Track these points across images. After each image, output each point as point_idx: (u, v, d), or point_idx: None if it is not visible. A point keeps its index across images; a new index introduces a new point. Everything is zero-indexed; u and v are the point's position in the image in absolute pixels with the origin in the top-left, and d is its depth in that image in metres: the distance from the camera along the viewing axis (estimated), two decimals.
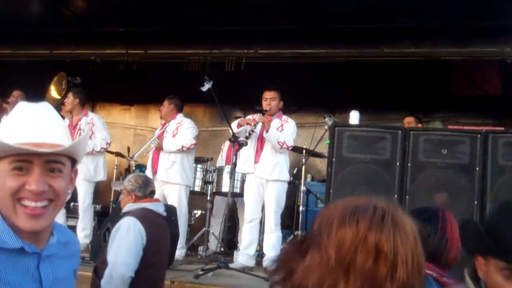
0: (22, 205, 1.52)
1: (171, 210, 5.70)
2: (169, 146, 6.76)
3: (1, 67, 9.20)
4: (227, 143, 7.99)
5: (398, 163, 4.73)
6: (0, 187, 1.52)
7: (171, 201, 6.62)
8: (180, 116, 7.02)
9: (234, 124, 6.19)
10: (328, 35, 7.71)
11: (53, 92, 7.81)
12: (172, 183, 6.70)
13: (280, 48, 7.88)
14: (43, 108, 1.61)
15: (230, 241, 7.57)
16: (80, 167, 6.65)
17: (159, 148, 6.81)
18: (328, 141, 5.10)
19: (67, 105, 6.94)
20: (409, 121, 7.22)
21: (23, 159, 1.51)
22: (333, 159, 4.81)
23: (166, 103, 7.04)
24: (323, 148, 8.01)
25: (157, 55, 8.26)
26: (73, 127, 6.93)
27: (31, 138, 1.51)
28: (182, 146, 6.70)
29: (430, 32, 7.51)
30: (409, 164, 4.73)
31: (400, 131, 4.82)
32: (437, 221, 2.48)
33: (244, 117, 8.17)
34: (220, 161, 8.06)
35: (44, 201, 1.53)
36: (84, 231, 6.89)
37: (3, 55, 8.80)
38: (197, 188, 7.28)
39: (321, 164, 9.54)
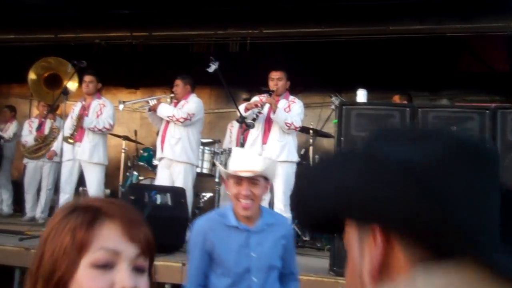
0: (239, 202, 2.87)
1: (179, 193, 5.74)
2: (164, 109, 6.69)
3: (5, 52, 9.19)
4: (236, 125, 7.96)
5: None
6: (230, 191, 2.94)
7: (177, 180, 6.63)
8: (192, 96, 6.97)
9: (241, 108, 6.15)
10: (334, 13, 7.64)
11: (32, 75, 7.84)
12: (178, 161, 6.67)
13: (285, 28, 7.82)
14: (247, 151, 3.68)
15: None
16: (81, 150, 6.75)
17: (153, 108, 6.73)
18: (336, 120, 5.07)
19: (91, 88, 6.91)
20: (395, 100, 7.18)
21: (238, 177, 2.88)
22: (342, 138, 4.78)
23: (180, 83, 6.90)
24: (330, 128, 8.00)
25: (161, 37, 8.22)
26: (86, 109, 6.94)
27: (240, 167, 2.88)
28: (174, 115, 6.60)
29: (436, 9, 7.43)
30: None
31: (408, 109, 4.78)
32: None
33: (250, 98, 8.15)
34: (228, 143, 8.04)
35: (249, 200, 2.87)
36: None
37: (8, 40, 8.79)
38: (205, 170, 7.27)
39: (328, 144, 9.52)
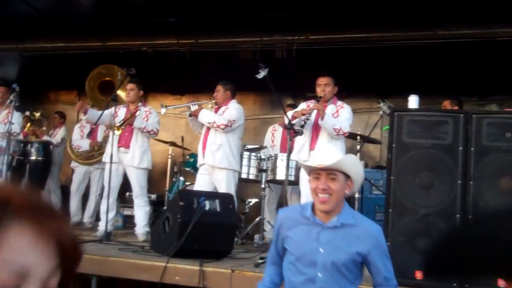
0: (317, 196, 2.92)
1: (227, 199, 5.74)
2: (205, 115, 6.74)
3: (54, 59, 9.39)
4: (279, 129, 7.94)
5: (460, 148, 4.59)
6: (310, 185, 3.00)
7: (219, 187, 6.66)
8: (232, 102, 6.99)
9: (289, 114, 6.12)
10: (380, 18, 7.56)
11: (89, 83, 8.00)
12: (219, 168, 6.71)
13: (331, 34, 7.77)
14: (324, 146, 3.42)
15: None
16: (130, 156, 6.83)
17: (194, 114, 6.79)
18: (387, 127, 5.00)
19: (132, 96, 7.02)
20: (445, 105, 7.01)
21: (317, 172, 2.94)
22: (393, 145, 4.70)
23: (221, 88, 6.98)
24: (377, 134, 7.91)
25: (207, 44, 8.27)
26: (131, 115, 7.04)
27: (319, 162, 2.92)
28: (215, 122, 6.65)
29: (485, 12, 7.27)
30: (472, 149, 4.58)
31: (461, 115, 4.67)
32: None
33: (295, 104, 8.12)
34: (270, 146, 7.99)
35: (326, 194, 2.90)
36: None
37: (57, 48, 8.97)
38: (251, 176, 7.26)
39: (374, 151, 9.42)
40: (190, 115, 6.90)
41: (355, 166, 3.02)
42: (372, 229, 3.02)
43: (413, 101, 5.03)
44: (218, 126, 6.66)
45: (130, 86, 7.05)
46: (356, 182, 3.03)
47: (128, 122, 6.81)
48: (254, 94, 10.32)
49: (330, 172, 2.91)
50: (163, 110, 6.99)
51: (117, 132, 6.75)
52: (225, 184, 6.65)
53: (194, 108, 6.89)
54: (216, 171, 6.75)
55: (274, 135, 8.06)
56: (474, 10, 7.26)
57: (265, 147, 7.62)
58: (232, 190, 6.67)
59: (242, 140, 8.35)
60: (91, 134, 7.46)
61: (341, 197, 2.96)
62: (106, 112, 6.83)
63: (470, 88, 8.59)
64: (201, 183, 6.81)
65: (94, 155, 8.49)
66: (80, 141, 8.68)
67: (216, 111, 6.92)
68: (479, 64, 8.35)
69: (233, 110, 6.85)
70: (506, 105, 8.78)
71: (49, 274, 0.81)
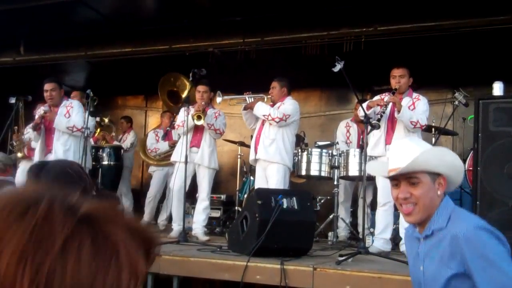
0: (401, 207, 2.42)
1: (305, 196, 5.66)
2: (261, 108, 6.73)
3: (122, 65, 9.55)
4: (354, 125, 7.79)
5: None
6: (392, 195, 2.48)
7: (270, 181, 6.61)
8: (288, 99, 6.94)
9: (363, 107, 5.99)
10: (450, 5, 7.31)
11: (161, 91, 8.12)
12: (271, 162, 6.67)
13: (399, 24, 7.56)
14: (399, 144, 2.59)
15: (355, 226, 7.45)
16: (200, 155, 6.85)
17: (250, 106, 6.81)
18: (472, 116, 4.81)
19: (206, 98, 7.05)
20: None
21: (394, 178, 2.43)
22: (479, 135, 4.52)
23: (277, 85, 6.95)
24: (449, 125, 7.65)
25: (273, 41, 8.21)
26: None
27: (390, 166, 2.46)
28: (270, 114, 6.62)
29: None
30: None
31: None
32: None
33: (364, 98, 7.97)
34: (343, 143, 7.85)
35: (409, 204, 2.38)
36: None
37: (124, 54, 9.11)
38: (324, 173, 7.17)
39: (446, 143, 9.14)
40: (245, 108, 6.92)
41: (441, 159, 2.40)
42: (458, 230, 2.25)
43: (497, 88, 4.83)
44: (273, 119, 6.63)
45: (203, 88, 7.06)
46: (452, 177, 2.42)
47: (204, 113, 6.84)
48: (319, 90, 10.21)
49: (409, 176, 2.36)
50: (218, 99, 7.03)
51: (200, 121, 6.79)
52: (276, 180, 6.60)
53: (250, 100, 6.89)
54: (269, 165, 6.72)
55: (349, 131, 7.88)
56: None
57: (337, 143, 7.48)
58: (282, 186, 6.62)
59: (308, 138, 8.29)
60: (166, 135, 7.54)
61: (432, 202, 2.36)
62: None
63: None
64: (258, 180, 6.84)
65: (171, 154, 8.58)
66: (157, 144, 8.78)
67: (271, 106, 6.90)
68: None
69: (288, 105, 6.81)
70: None
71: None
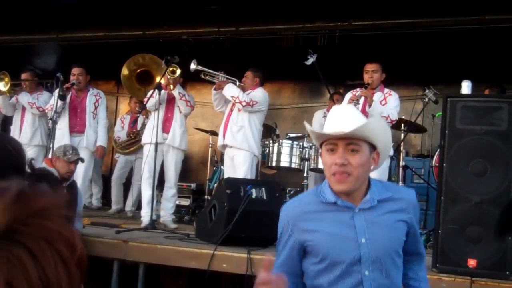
0: (332, 175, 2.19)
1: (274, 187, 5.70)
2: (230, 89, 6.72)
3: (94, 49, 9.44)
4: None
5: None
6: (323, 161, 2.28)
7: (238, 169, 6.66)
8: (259, 88, 6.96)
9: (345, 101, 6.05)
10: (424, 3, 7.41)
11: (125, 71, 8.01)
12: (238, 148, 6.71)
13: (374, 20, 7.64)
14: (343, 108, 2.34)
15: None
16: (171, 135, 6.81)
17: (219, 85, 6.79)
18: (440, 113, 4.89)
19: (174, 82, 6.99)
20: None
21: (331, 143, 2.21)
22: (446, 132, 4.60)
23: (250, 74, 6.98)
24: (419, 122, 7.76)
25: (248, 31, 8.22)
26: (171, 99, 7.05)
27: (332, 128, 2.20)
28: (238, 96, 6.63)
29: None
30: None
31: None
32: None
33: (340, 92, 8.05)
34: None
35: (344, 172, 2.17)
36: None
37: (97, 38, 9.02)
38: (294, 165, 7.22)
39: (415, 139, 9.29)
40: (215, 89, 6.91)
41: (384, 132, 2.30)
42: (408, 192, 2.42)
43: (465, 87, 4.90)
44: (240, 102, 6.65)
45: (176, 75, 7.01)
46: (383, 154, 2.32)
47: (173, 82, 6.81)
48: (293, 82, 10.24)
49: (350, 141, 2.18)
50: (193, 66, 6.93)
51: (172, 89, 6.78)
52: (244, 169, 6.64)
53: (222, 79, 6.90)
54: (236, 154, 6.75)
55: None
56: None
57: (308, 135, 7.52)
58: (249, 173, 6.65)
59: (280, 129, 8.33)
60: (135, 124, 7.55)
61: (365, 174, 2.25)
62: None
63: None
64: (227, 168, 6.90)
65: (133, 143, 8.53)
66: (120, 133, 8.78)
67: None
68: None
69: (258, 93, 6.86)
70: None
71: None
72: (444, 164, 4.59)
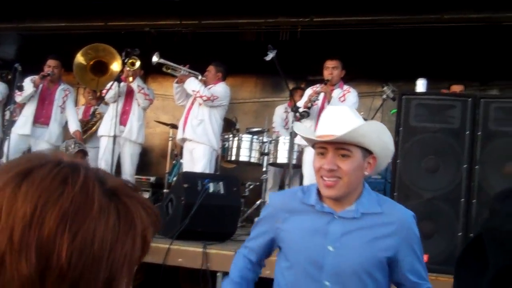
0: (321, 179, 2.14)
1: (231, 181, 5.71)
2: (192, 83, 6.73)
3: (55, 39, 9.28)
4: (289, 116, 7.87)
5: (467, 132, 4.58)
6: (313, 164, 2.18)
7: (197, 163, 6.65)
8: (221, 83, 6.97)
9: (304, 97, 6.09)
10: (386, 1, 7.50)
11: (80, 59, 7.93)
12: (198, 142, 6.72)
13: (335, 16, 7.70)
14: (336, 109, 2.24)
15: None
16: (128, 128, 6.75)
17: (181, 79, 6.79)
18: (395, 110, 4.98)
19: (132, 74, 6.91)
20: (454, 90, 6.96)
21: (322, 146, 2.15)
22: (400, 129, 4.69)
23: (212, 69, 7.00)
24: (377, 118, 7.87)
25: (211, 25, 8.19)
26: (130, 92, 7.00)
27: (323, 131, 2.14)
28: (199, 91, 6.64)
29: None
30: (479, 133, 4.58)
31: (469, 99, 4.66)
32: None
33: (301, 87, 8.10)
34: (283, 129, 7.90)
35: (333, 178, 2.10)
36: None
37: (58, 28, 8.87)
38: (253, 159, 7.24)
39: None
40: (177, 82, 6.90)
41: (379, 136, 2.18)
42: (405, 216, 2.21)
43: (420, 85, 5.00)
44: (200, 96, 6.66)
45: (136, 66, 6.95)
46: (381, 160, 2.21)
47: (132, 74, 6.77)
48: (255, 77, 10.24)
49: (340, 146, 2.10)
50: (155, 59, 6.88)
51: (131, 81, 6.72)
52: (203, 163, 6.65)
53: (184, 73, 6.87)
54: (196, 147, 6.75)
55: (288, 117, 7.96)
56: None
57: (267, 130, 7.56)
58: (208, 168, 6.67)
59: (242, 124, 8.34)
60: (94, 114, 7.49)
61: (357, 180, 2.15)
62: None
63: (472, 73, 8.55)
64: (186, 161, 6.90)
65: (84, 131, 8.41)
66: None
67: None
68: (482, 49, 8.32)
69: (219, 88, 6.87)
70: (506, 91, 8.77)
71: None
72: (398, 161, 4.68)
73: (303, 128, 3.06)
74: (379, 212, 2.19)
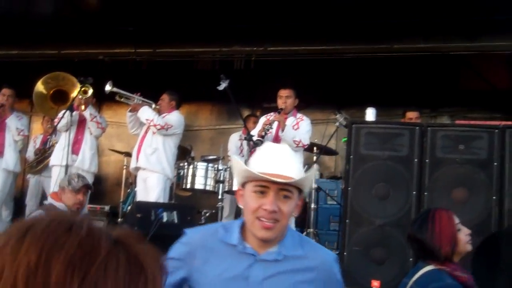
0: (257, 220, 1.98)
1: (186, 210, 5.70)
2: (146, 112, 6.68)
3: (8, 67, 9.16)
4: (243, 143, 7.89)
5: (416, 160, 4.71)
6: (247, 203, 2.02)
7: (151, 192, 6.59)
8: (175, 112, 6.98)
9: (258, 125, 6.15)
10: (337, 31, 7.69)
11: (40, 87, 7.85)
12: (152, 171, 6.66)
13: (289, 45, 7.85)
14: (282, 148, 2.13)
15: None
16: (80, 158, 6.68)
17: (134, 108, 6.74)
18: (346, 138, 5.08)
19: (84, 102, 6.83)
20: (410, 117, 7.12)
21: (263, 185, 1.97)
22: (351, 157, 4.78)
23: (166, 97, 6.98)
24: (332, 144, 7.99)
25: (166, 53, 8.23)
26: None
27: (271, 170, 1.96)
28: (153, 120, 6.60)
29: (440, 27, 7.49)
30: (427, 160, 4.71)
31: (417, 128, 4.80)
32: (427, 223, 2.77)
33: (256, 115, 8.16)
34: (238, 156, 7.90)
35: (272, 220, 1.97)
36: None
37: (10, 56, 8.76)
38: (208, 187, 7.23)
39: (329, 161, 9.52)
40: (130, 111, 6.85)
41: (312, 180, 2.41)
42: (328, 260, 2.14)
43: (370, 114, 5.12)
44: (154, 125, 6.62)
45: (88, 95, 6.89)
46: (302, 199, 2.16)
47: (85, 102, 6.70)
48: (211, 104, 10.28)
49: (284, 187, 1.97)
50: (108, 88, 6.79)
51: (83, 110, 6.64)
52: (156, 192, 6.59)
53: (138, 101, 6.84)
54: (149, 176, 6.70)
55: (242, 144, 7.98)
56: (429, 25, 7.47)
57: (223, 158, 7.57)
58: (162, 197, 6.64)
59: (198, 151, 8.33)
60: (46, 144, 7.37)
61: (288, 222, 2.07)
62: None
63: (423, 101, 8.79)
64: (139, 191, 6.82)
65: (41, 161, 8.28)
66: (31, 152, 8.52)
67: None
68: (432, 77, 8.59)
69: (173, 116, 6.87)
70: (456, 117, 9.02)
71: None
72: (349, 188, 4.76)
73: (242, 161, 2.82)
74: (302, 256, 2.08)
